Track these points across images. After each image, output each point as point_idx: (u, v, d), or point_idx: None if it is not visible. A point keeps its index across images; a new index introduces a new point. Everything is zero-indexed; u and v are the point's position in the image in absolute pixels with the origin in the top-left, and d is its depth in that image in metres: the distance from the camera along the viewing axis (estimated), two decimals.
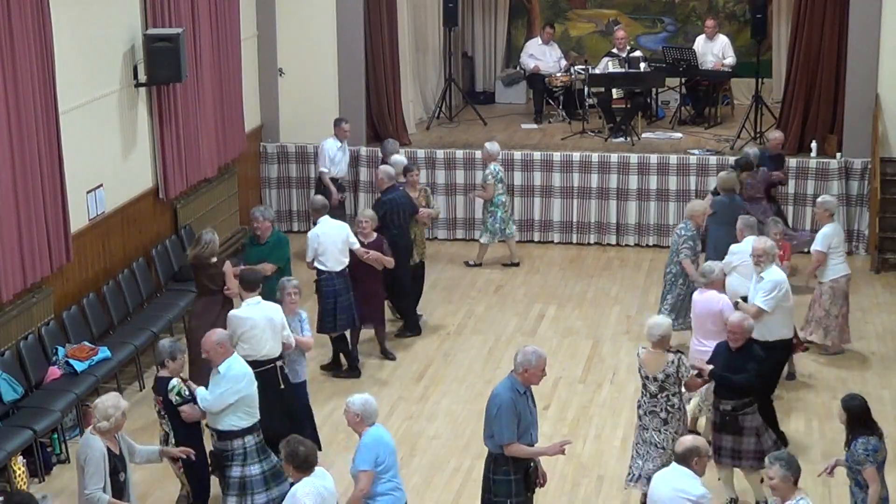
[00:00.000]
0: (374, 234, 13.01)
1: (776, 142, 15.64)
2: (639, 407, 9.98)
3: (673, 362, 9.75)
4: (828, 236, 12.73)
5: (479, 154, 16.93)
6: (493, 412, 8.78)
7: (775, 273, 11.26)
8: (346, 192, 16.61)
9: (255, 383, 9.59)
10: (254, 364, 9.90)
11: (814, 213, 15.04)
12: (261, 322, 10.34)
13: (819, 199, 13.25)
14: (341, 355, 12.99)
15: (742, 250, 12.05)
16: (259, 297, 10.60)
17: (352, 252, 12.69)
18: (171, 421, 9.62)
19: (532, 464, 9.05)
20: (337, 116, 16.44)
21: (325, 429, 11.52)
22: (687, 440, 8.19)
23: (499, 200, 15.79)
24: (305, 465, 8.06)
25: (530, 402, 8.91)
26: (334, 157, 16.00)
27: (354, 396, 8.69)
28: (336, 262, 12.60)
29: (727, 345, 10.11)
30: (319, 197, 13.79)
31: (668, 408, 9.79)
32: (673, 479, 8.07)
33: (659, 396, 9.77)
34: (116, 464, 8.63)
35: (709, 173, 16.52)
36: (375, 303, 13.14)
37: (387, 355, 13.31)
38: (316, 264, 12.64)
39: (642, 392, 9.91)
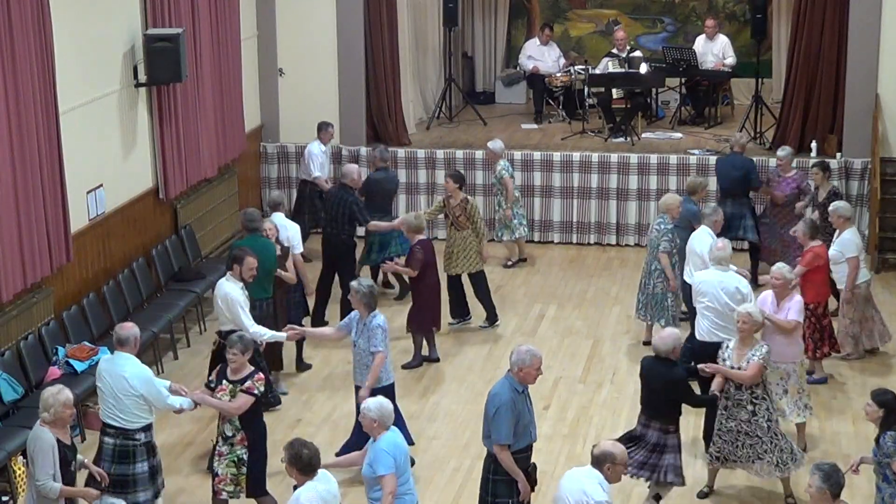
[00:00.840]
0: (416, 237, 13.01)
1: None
2: (726, 397, 10.09)
3: (759, 352, 10.03)
4: (850, 241, 12.63)
5: (479, 154, 16.94)
6: (491, 412, 8.79)
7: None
8: None
9: None
10: None
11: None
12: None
13: (832, 207, 13.02)
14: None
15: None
16: None
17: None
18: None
19: (532, 463, 9.06)
20: (323, 120, 16.21)
21: (326, 428, 11.54)
22: (606, 444, 8.10)
23: (514, 197, 15.92)
24: (309, 469, 8.03)
25: (528, 400, 8.93)
26: (323, 161, 16.00)
27: (370, 401, 8.69)
28: None
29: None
30: (277, 193, 14.10)
31: (755, 399, 10.01)
32: (582, 479, 7.98)
33: (745, 388, 9.97)
34: (66, 454, 8.71)
35: (709, 173, 16.48)
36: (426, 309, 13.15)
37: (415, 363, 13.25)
38: None
39: (731, 384, 10.08)
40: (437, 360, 13.24)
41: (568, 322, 14.43)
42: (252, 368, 9.57)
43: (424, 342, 13.21)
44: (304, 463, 8.00)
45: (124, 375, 9.46)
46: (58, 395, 8.70)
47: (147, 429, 9.62)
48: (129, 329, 9.74)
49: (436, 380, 12.84)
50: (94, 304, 12.64)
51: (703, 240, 12.28)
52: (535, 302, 15.08)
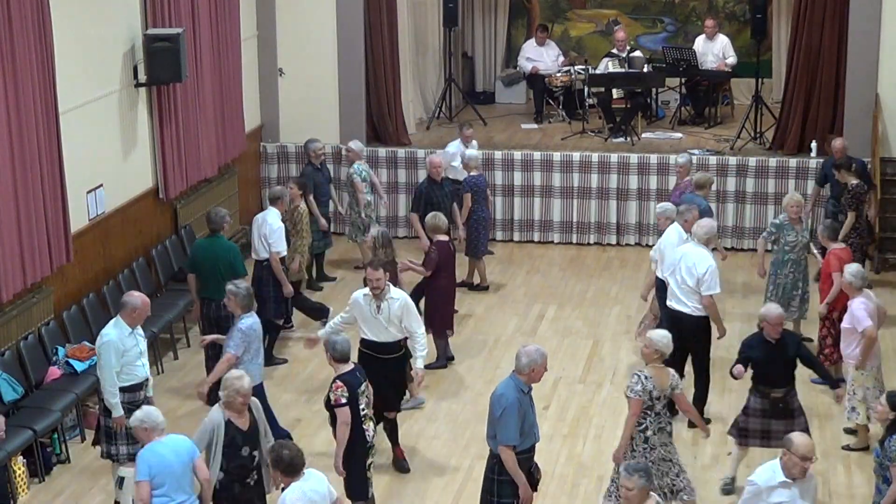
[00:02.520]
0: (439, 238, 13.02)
1: (838, 148, 14.96)
2: (645, 429, 9.48)
3: (674, 375, 9.65)
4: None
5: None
6: (497, 413, 8.76)
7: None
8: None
9: None
10: None
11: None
12: None
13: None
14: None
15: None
16: None
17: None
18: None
19: (534, 464, 9.06)
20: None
21: (325, 428, 11.54)
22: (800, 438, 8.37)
23: (364, 200, 15.31)
24: (291, 469, 8.01)
25: (531, 401, 8.94)
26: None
27: (138, 412, 8.73)
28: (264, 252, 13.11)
29: (762, 337, 10.35)
30: (280, 188, 14.12)
31: (669, 420, 9.66)
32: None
33: (662, 413, 9.53)
34: (236, 437, 8.81)
35: (708, 173, 16.49)
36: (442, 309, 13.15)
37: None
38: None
39: (645, 414, 9.43)
40: (451, 358, 13.27)
41: (568, 322, 14.43)
42: (340, 371, 9.45)
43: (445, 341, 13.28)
44: (285, 464, 7.99)
45: (101, 333, 10.11)
46: (235, 380, 8.80)
47: (126, 390, 9.98)
48: (127, 295, 10.28)
49: (435, 380, 12.83)
50: (94, 304, 12.64)
51: (670, 237, 12.40)
52: (535, 302, 15.08)
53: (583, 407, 12.23)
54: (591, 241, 17.12)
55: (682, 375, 11.88)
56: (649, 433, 9.45)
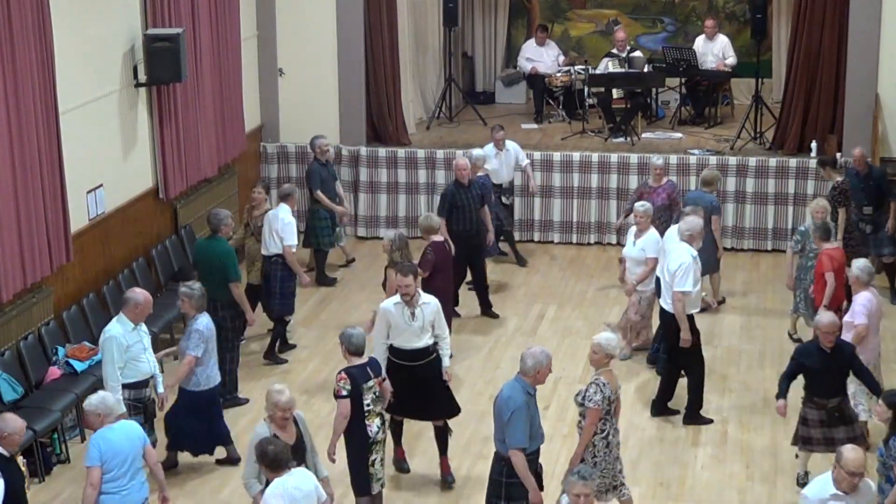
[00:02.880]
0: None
1: (857, 157, 14.61)
2: (606, 435, 9.37)
3: (616, 376, 9.55)
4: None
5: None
6: (505, 417, 8.77)
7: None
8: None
9: None
10: None
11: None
12: None
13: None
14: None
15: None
16: None
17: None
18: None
19: (539, 464, 9.10)
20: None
21: (325, 428, 11.54)
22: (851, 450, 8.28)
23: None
24: (276, 465, 8.10)
25: (535, 403, 9.00)
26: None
27: (92, 396, 8.84)
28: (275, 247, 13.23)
29: (818, 345, 10.17)
30: (289, 185, 14.21)
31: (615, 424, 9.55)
32: None
33: (614, 414, 9.45)
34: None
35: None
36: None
37: None
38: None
39: (605, 420, 9.32)
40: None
41: (568, 322, 14.43)
42: (347, 364, 9.59)
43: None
44: (269, 459, 8.09)
45: (105, 329, 10.31)
46: (276, 394, 8.77)
47: (130, 387, 10.16)
48: (130, 292, 10.48)
49: None
50: (94, 304, 12.64)
51: (672, 236, 12.49)
52: (535, 302, 15.07)
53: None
54: (591, 241, 17.12)
55: (679, 375, 11.95)
56: (610, 437, 9.37)
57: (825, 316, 10.26)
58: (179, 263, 14.36)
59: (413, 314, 10.45)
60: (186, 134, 14.60)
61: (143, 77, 13.81)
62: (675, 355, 11.77)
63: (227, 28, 15.69)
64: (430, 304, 10.55)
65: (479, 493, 10.56)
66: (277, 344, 13.46)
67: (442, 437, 10.80)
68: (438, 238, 12.96)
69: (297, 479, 8.13)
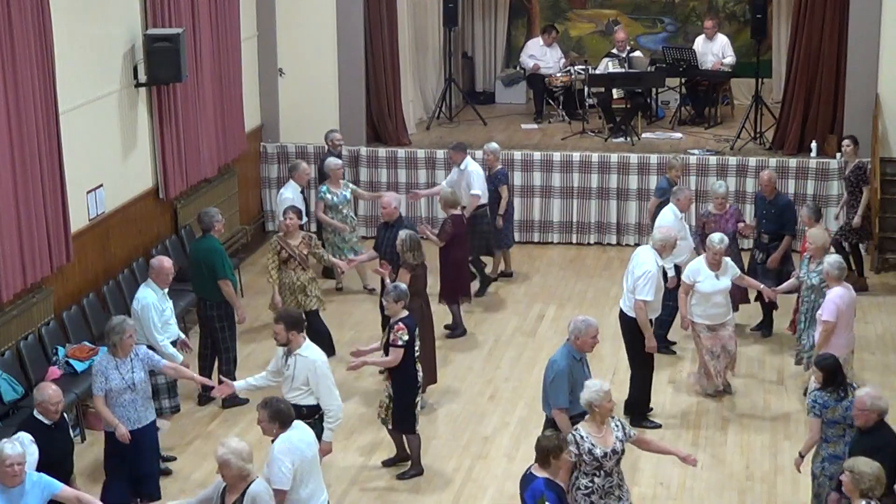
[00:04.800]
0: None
1: (765, 183, 13.84)
2: (591, 493, 8.59)
3: (618, 425, 8.74)
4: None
5: (479, 154, 16.92)
6: (549, 378, 9.37)
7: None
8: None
9: None
10: None
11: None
12: None
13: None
14: None
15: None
16: None
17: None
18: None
19: None
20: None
21: None
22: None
23: (344, 217, 14.91)
24: (290, 421, 8.37)
25: (586, 368, 9.45)
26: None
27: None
28: None
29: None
30: (303, 164, 14.63)
31: (621, 479, 8.79)
32: None
33: (614, 471, 8.68)
34: None
35: (708, 173, 16.54)
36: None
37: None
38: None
39: (591, 477, 8.59)
40: (464, 333, 13.90)
41: (568, 322, 14.38)
42: (400, 317, 10.43)
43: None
44: (285, 416, 8.35)
45: (136, 297, 10.91)
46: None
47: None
48: (155, 259, 11.06)
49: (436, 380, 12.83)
50: (94, 304, 12.64)
51: (666, 217, 12.94)
52: (535, 302, 15.07)
53: None
54: (591, 241, 17.12)
55: (651, 377, 11.92)
56: (595, 499, 8.61)
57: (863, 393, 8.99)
58: (179, 263, 14.32)
59: (286, 360, 9.62)
60: (186, 134, 14.61)
61: (143, 77, 13.81)
62: (631, 355, 11.83)
63: (227, 28, 15.69)
64: (306, 358, 9.47)
65: (480, 493, 10.59)
66: None
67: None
68: (457, 212, 13.80)
69: (299, 432, 8.40)
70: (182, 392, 11.60)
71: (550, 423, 9.38)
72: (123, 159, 13.69)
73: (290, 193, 14.04)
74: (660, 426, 11.71)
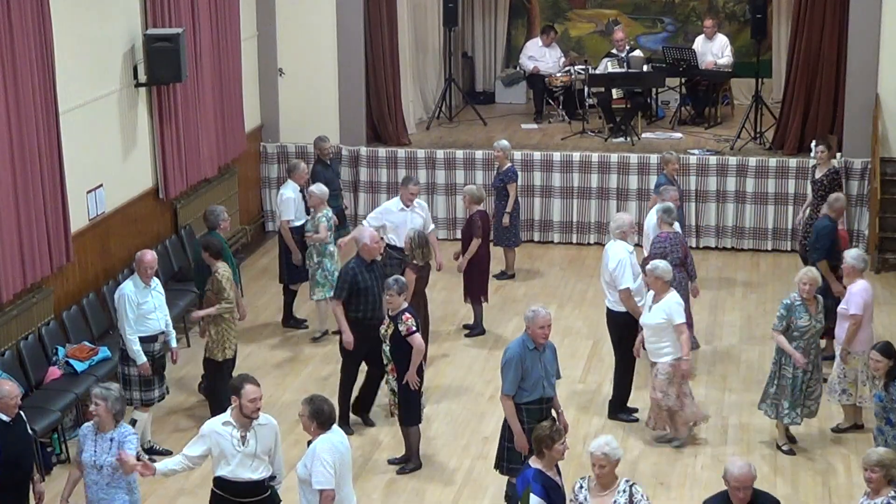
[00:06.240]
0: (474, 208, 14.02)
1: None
2: None
3: (624, 490, 7.90)
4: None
5: (479, 154, 16.98)
6: (501, 364, 9.59)
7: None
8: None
9: None
10: None
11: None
12: None
13: (649, 266, 11.27)
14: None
15: None
16: None
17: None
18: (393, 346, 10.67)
19: (552, 417, 9.50)
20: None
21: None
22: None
23: (326, 249, 13.64)
24: (329, 423, 8.42)
25: (544, 358, 9.59)
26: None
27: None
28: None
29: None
30: (301, 164, 14.50)
31: None
32: None
33: None
34: None
35: (708, 173, 16.54)
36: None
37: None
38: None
39: None
40: (483, 332, 14.06)
41: (568, 322, 14.42)
42: (404, 307, 10.62)
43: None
44: (325, 417, 8.41)
45: (119, 287, 11.09)
46: None
47: (140, 340, 10.87)
48: (140, 253, 11.20)
49: (436, 380, 12.83)
50: (94, 304, 12.64)
51: (651, 220, 13.02)
52: (536, 301, 14.97)
53: (583, 407, 12.23)
54: (591, 241, 17.12)
55: (633, 374, 12.05)
56: None
57: (735, 465, 7.95)
58: (179, 263, 14.37)
59: (244, 438, 8.53)
60: (186, 134, 14.61)
61: (143, 77, 13.81)
62: (619, 355, 11.93)
63: (227, 28, 15.70)
64: (267, 425, 8.64)
65: (480, 493, 10.59)
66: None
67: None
68: (482, 208, 14.07)
69: (338, 435, 8.48)
70: (183, 391, 11.59)
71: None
72: (123, 159, 13.69)
73: (291, 193, 14.05)
74: (637, 420, 11.80)
